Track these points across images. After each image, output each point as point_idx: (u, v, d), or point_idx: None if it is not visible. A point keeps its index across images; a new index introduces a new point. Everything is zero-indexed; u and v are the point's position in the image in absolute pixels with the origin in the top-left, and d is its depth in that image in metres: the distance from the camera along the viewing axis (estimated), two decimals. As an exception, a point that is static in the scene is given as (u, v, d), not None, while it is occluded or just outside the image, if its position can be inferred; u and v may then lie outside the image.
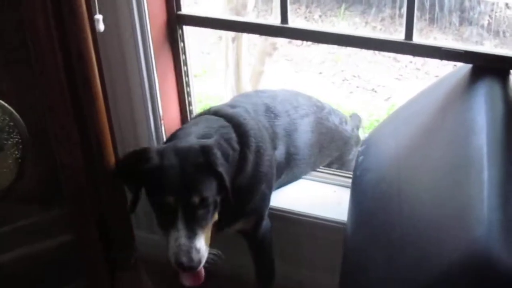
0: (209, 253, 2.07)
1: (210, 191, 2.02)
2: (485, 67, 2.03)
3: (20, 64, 1.95)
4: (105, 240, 2.16)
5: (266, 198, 2.35)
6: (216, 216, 2.09)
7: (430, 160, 1.90)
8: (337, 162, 2.74)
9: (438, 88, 2.17)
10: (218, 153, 2.04)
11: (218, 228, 2.21)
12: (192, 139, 2.13)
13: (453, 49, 2.11)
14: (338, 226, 2.34)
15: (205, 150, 2.03)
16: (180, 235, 1.97)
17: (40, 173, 2.17)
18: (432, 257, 1.59)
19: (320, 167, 2.67)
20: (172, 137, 2.25)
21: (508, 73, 2.01)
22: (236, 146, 2.17)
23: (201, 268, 2.05)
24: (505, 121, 1.83)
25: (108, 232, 2.15)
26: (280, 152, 2.41)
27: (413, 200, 1.83)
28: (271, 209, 2.46)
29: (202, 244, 2.00)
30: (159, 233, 2.80)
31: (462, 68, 2.10)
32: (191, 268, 2.00)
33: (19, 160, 2.02)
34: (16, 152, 2.01)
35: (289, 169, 2.51)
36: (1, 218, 2.20)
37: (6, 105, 1.97)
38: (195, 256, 1.97)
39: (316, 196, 2.57)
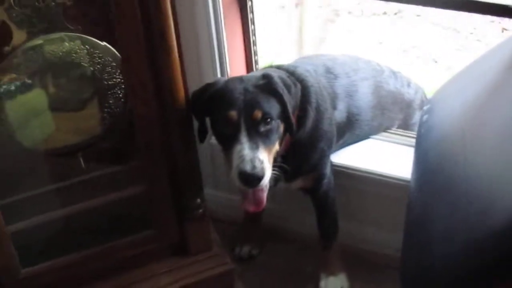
0: (272, 172, 2.09)
1: (272, 110, 2.07)
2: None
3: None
4: (175, 190, 2.21)
5: (325, 156, 2.38)
6: (277, 146, 2.12)
7: (496, 118, 1.87)
8: (402, 126, 2.75)
9: (507, 46, 2.13)
10: (279, 81, 2.12)
11: (275, 183, 2.25)
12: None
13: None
14: (403, 184, 2.36)
15: (266, 76, 2.12)
16: (243, 147, 2.00)
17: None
18: (495, 211, 1.58)
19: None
20: None
21: None
22: (298, 83, 2.23)
23: (263, 188, 2.08)
24: None
25: (178, 183, 2.20)
26: (340, 112, 2.44)
27: (478, 157, 1.81)
28: (337, 166, 2.51)
29: (265, 158, 2.03)
30: (224, 190, 2.89)
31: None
32: (254, 177, 1.99)
33: (122, 100, 2.10)
34: (119, 92, 2.10)
35: (352, 129, 2.54)
36: (73, 169, 2.26)
37: (109, 46, 2.05)
38: (258, 164, 1.99)
39: (382, 154, 2.59)
